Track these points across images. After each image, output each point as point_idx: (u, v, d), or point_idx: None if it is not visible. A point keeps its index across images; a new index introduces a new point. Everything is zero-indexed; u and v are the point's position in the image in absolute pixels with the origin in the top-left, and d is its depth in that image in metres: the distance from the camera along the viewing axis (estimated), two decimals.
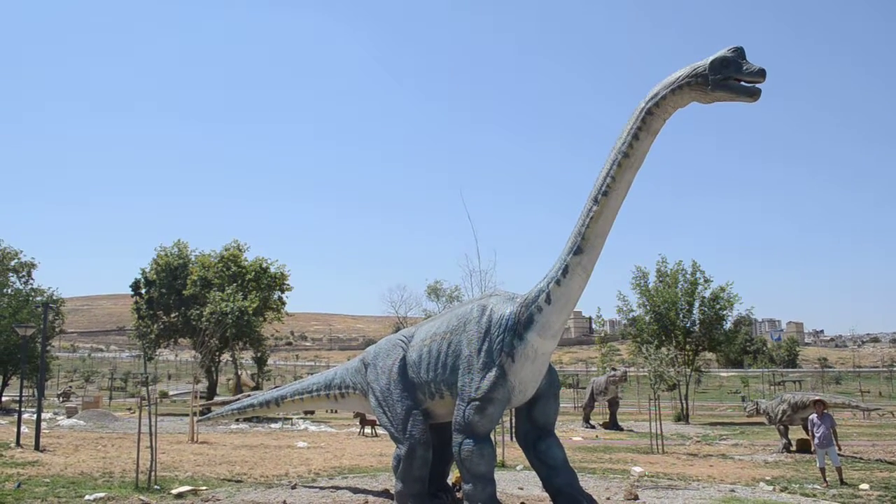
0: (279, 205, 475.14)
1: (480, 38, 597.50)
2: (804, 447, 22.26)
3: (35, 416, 23.76)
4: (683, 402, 42.30)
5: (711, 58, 8.18)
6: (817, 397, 20.27)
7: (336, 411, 45.84)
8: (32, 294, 50.20)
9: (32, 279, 51.71)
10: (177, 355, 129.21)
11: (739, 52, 8.04)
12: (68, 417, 35.80)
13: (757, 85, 7.98)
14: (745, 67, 7.94)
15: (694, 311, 43.28)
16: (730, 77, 8.00)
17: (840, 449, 16.98)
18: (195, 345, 47.52)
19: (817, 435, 16.24)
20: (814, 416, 16.83)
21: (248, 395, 38.07)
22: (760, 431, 32.10)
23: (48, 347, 41.28)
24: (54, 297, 52.13)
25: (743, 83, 8.00)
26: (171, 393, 77.17)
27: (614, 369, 39.60)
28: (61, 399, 62.37)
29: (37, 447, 20.93)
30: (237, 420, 36.42)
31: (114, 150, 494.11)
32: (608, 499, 12.45)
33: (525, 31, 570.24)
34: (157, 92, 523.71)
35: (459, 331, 10.59)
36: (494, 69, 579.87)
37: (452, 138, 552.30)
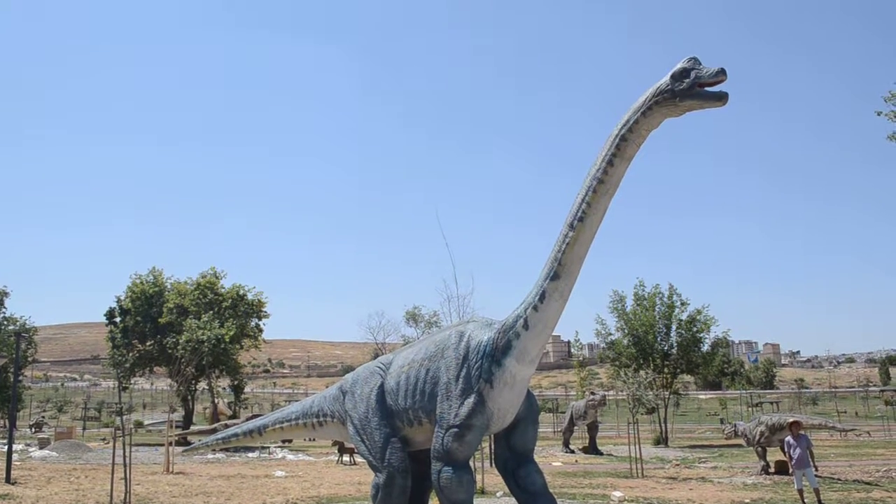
0: (256, 232, 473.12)
1: (456, 59, 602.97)
2: (782, 469, 22.37)
3: (6, 447, 23.31)
4: (662, 425, 42.38)
5: (670, 72, 8.43)
6: (794, 419, 20.40)
7: (314, 440, 45.42)
8: (5, 323, 49.46)
9: (5, 308, 50.93)
10: (152, 384, 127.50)
11: (695, 60, 8.30)
12: (40, 449, 35.14)
13: (722, 88, 8.20)
14: (705, 71, 8.15)
15: (671, 334, 43.56)
16: (694, 83, 8.18)
17: (817, 470, 17.08)
18: (171, 373, 46.97)
19: (794, 456, 16.33)
20: (789, 438, 16.93)
21: (225, 424, 37.79)
22: (739, 453, 32.22)
23: (20, 377, 40.59)
24: (27, 326, 51.39)
25: (707, 89, 8.21)
26: (146, 422, 76.01)
27: (593, 393, 39.66)
28: (33, 430, 61.21)
29: (7, 480, 20.51)
30: (213, 450, 35.96)
31: (88, 176, 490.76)
32: None
33: (501, 52, 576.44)
34: (133, 118, 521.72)
35: (437, 357, 10.58)
36: (471, 90, 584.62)
37: (429, 162, 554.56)
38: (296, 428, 13.81)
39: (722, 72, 8.03)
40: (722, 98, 8.12)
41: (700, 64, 8.23)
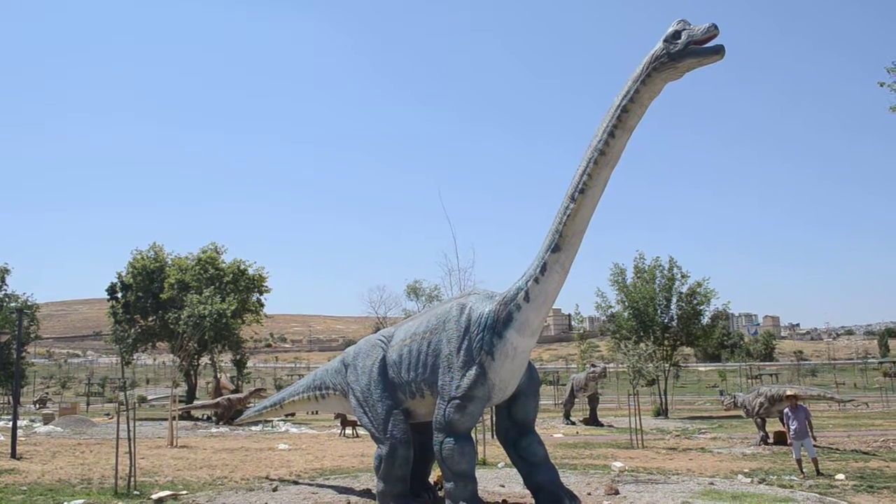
0: (257, 207, 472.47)
1: (457, 37, 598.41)
2: (781, 439, 22.52)
3: (11, 423, 23.45)
4: (662, 396, 42.61)
5: (662, 37, 8.46)
6: (791, 391, 20.45)
7: (317, 413, 45.74)
8: (6, 300, 49.56)
9: (6, 285, 51.03)
10: (155, 359, 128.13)
11: (684, 22, 8.35)
12: (45, 424, 35.37)
13: (718, 42, 8.20)
14: (696, 29, 8.20)
15: (671, 307, 43.63)
16: (688, 42, 8.23)
17: (815, 440, 17.21)
18: (173, 348, 47.16)
19: (792, 427, 16.45)
20: (787, 409, 17.04)
21: (228, 399, 38.13)
22: (738, 424, 32.43)
23: (23, 354, 40.72)
24: (29, 303, 51.49)
25: (703, 46, 8.21)
26: (149, 397, 76.38)
27: (594, 366, 39.84)
28: (37, 406, 61.56)
29: (13, 455, 20.65)
30: (217, 424, 36.34)
31: (88, 153, 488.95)
32: (589, 494, 12.54)
33: (501, 30, 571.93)
34: (133, 96, 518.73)
35: (439, 330, 10.62)
36: (471, 67, 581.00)
37: (430, 137, 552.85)
38: (302, 401, 14.35)
39: (713, 27, 8.08)
40: (719, 51, 8.13)
41: (690, 24, 8.28)
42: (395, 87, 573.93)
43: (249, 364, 69.66)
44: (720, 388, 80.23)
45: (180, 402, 43.52)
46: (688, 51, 8.22)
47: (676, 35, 8.29)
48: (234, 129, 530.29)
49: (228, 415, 36.89)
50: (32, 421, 39.41)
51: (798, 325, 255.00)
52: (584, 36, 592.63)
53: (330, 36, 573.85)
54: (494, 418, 11.62)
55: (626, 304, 43.99)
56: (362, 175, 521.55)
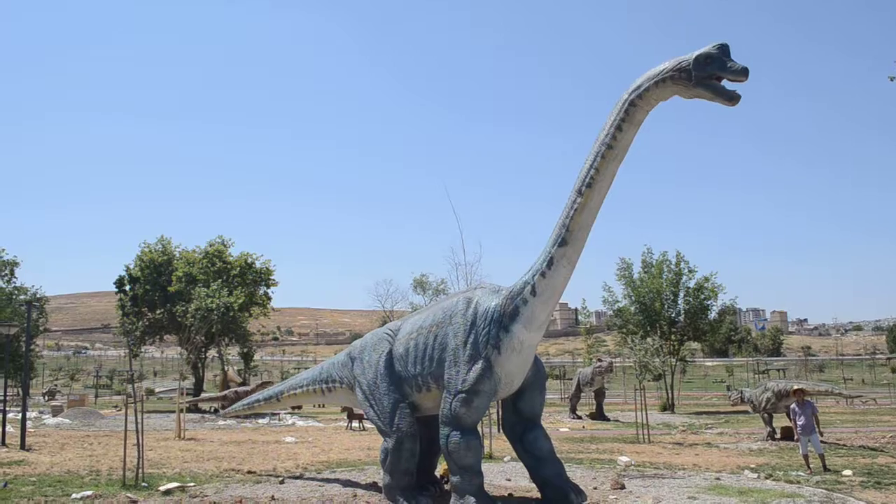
0: (264, 201, 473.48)
1: (461, 31, 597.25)
2: (788, 435, 22.48)
3: (20, 415, 23.59)
4: (669, 391, 42.56)
5: (696, 53, 8.18)
6: (798, 385, 20.41)
7: (323, 406, 45.84)
8: (16, 292, 49.77)
9: (15, 277, 51.22)
10: (163, 352, 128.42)
11: (724, 50, 8.05)
12: (54, 416, 35.55)
13: (737, 87, 8.04)
14: (728, 65, 7.94)
15: (679, 302, 43.53)
16: (713, 75, 8.02)
17: (822, 436, 17.15)
18: (181, 341, 47.32)
19: (799, 423, 16.39)
20: (794, 405, 16.98)
21: (235, 392, 38.24)
22: (745, 420, 32.38)
23: (32, 346, 40.90)
24: (38, 296, 51.75)
25: (725, 84, 8.05)
26: (157, 390, 76.66)
27: (600, 360, 39.83)
28: (46, 398, 61.89)
29: (22, 446, 20.78)
30: (224, 416, 36.46)
31: (96, 148, 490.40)
32: (595, 488, 12.54)
33: (506, 24, 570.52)
34: (139, 90, 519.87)
35: (445, 324, 10.63)
36: (476, 62, 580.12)
37: (437, 132, 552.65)
38: (307, 394, 14.24)
39: (744, 72, 7.83)
40: (734, 98, 7.96)
41: (727, 55, 7.98)
42: (402, 83, 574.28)
43: (256, 357, 69.81)
44: (727, 384, 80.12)
45: (188, 394, 43.78)
46: (707, 82, 8.06)
47: (708, 59, 8.03)
48: (242, 123, 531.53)
49: None
50: (41, 413, 39.62)
51: (806, 320, 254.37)
52: (592, 31, 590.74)
53: (338, 33, 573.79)
54: (500, 412, 11.63)
55: (633, 298, 43.94)
56: (369, 169, 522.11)
